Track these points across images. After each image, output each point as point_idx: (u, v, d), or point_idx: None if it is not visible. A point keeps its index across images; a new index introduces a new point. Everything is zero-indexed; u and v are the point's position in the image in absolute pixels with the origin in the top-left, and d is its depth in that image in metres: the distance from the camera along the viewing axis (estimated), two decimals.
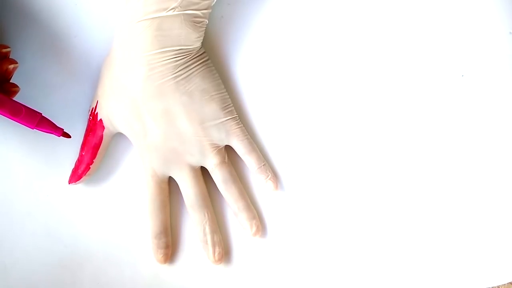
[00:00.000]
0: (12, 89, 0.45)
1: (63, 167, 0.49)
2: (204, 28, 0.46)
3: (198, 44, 0.47)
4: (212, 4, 0.46)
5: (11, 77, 0.45)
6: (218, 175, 0.48)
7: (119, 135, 0.49)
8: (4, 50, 0.45)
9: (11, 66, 0.45)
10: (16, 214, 0.49)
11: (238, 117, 0.48)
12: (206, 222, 0.48)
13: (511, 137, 0.49)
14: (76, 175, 0.49)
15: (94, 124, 0.48)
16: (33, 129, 0.45)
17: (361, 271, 0.49)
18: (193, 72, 0.46)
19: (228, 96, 0.48)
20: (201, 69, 0.47)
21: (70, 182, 0.49)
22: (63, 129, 0.46)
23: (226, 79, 0.49)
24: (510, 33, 0.49)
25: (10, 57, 0.45)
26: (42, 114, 0.45)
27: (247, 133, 0.49)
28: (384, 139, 0.49)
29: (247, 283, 0.49)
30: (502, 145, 0.49)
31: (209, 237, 0.48)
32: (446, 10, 0.49)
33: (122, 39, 0.46)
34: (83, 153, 0.48)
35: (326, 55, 0.49)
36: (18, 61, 0.45)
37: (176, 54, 0.45)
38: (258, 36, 0.50)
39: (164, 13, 0.44)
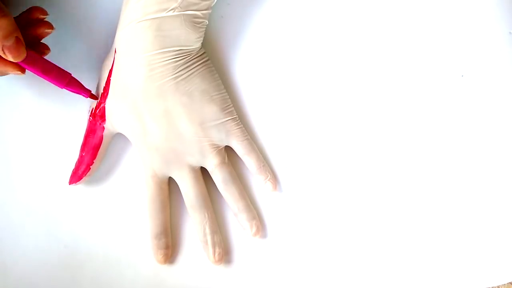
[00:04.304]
0: (44, 50, 0.45)
1: (63, 167, 0.49)
2: (204, 29, 0.46)
3: (198, 44, 0.46)
4: (212, 5, 0.46)
5: (42, 39, 0.46)
6: (218, 175, 0.48)
7: (119, 135, 0.49)
8: (42, 16, 0.45)
9: (48, 30, 0.45)
10: (16, 214, 0.49)
11: (238, 118, 0.48)
12: (206, 223, 0.48)
13: (511, 137, 0.49)
14: (76, 176, 0.49)
15: (94, 125, 0.48)
16: (62, 88, 0.45)
17: (361, 271, 0.49)
18: (193, 73, 0.46)
19: (228, 97, 0.48)
20: (201, 69, 0.47)
21: (70, 182, 0.49)
22: (91, 91, 0.46)
23: (226, 79, 0.49)
24: (510, 33, 0.49)
25: None
26: (72, 75, 0.45)
27: (247, 134, 0.49)
28: (383, 139, 0.49)
29: (247, 283, 0.49)
30: (502, 145, 0.49)
31: (209, 237, 0.48)
32: (446, 10, 0.49)
33: (122, 39, 0.46)
34: (83, 154, 0.48)
35: (326, 56, 0.49)
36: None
37: (176, 55, 0.45)
38: (258, 36, 0.50)
39: (164, 14, 0.44)
